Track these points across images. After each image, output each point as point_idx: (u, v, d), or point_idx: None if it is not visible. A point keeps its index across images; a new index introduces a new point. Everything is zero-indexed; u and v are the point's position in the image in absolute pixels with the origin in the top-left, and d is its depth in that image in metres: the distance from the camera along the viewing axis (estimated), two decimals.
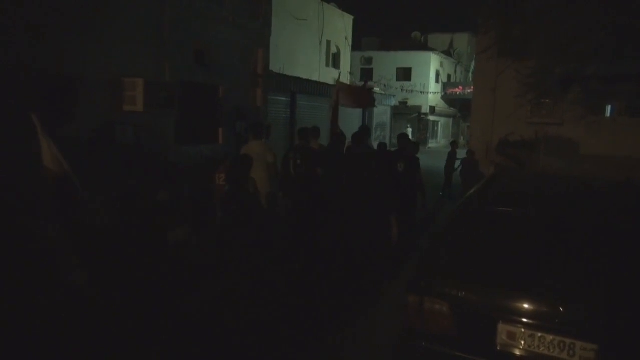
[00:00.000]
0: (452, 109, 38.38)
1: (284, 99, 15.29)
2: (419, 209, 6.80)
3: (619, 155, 10.48)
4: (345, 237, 5.48)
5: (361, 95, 9.81)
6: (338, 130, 8.05)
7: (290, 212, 6.26)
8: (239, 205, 4.96)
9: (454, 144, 13.20)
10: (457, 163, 11.84)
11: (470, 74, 35.89)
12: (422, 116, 34.37)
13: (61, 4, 6.29)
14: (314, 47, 21.69)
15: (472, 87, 17.91)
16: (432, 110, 35.17)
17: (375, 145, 10.05)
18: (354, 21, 25.64)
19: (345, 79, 25.11)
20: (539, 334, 2.89)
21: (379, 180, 5.63)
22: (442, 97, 37.09)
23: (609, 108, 12.37)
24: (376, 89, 26.34)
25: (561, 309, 2.86)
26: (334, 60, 24.47)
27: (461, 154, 12.36)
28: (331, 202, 5.57)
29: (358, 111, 20.61)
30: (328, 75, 22.32)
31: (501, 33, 9.72)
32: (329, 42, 23.30)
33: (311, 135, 6.96)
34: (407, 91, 33.27)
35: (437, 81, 36.57)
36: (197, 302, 4.68)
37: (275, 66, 15.42)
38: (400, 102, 32.27)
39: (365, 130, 7.38)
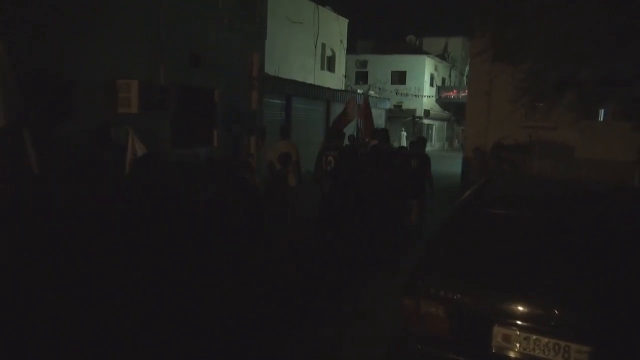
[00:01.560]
0: (446, 112, 38.49)
1: (280, 101, 15.30)
2: (428, 197, 8.07)
3: (612, 159, 10.55)
4: (369, 223, 6.70)
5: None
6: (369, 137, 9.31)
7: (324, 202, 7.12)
8: (277, 195, 6.10)
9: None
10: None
11: (465, 78, 36.04)
12: (416, 119, 34.45)
13: (58, 5, 6.27)
14: (309, 50, 21.71)
15: (467, 91, 17.98)
16: (427, 113, 35.26)
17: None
18: (349, 24, 25.69)
19: (340, 82, 25.17)
20: (534, 337, 2.90)
21: (395, 175, 7.18)
22: (437, 101, 37.20)
23: (602, 112, 12.44)
24: (371, 92, 26.41)
25: (556, 312, 2.87)
26: (329, 63, 24.49)
27: (458, 156, 12.35)
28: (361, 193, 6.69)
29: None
30: (323, 78, 22.34)
31: (496, 36, 9.76)
32: (324, 45, 23.32)
33: (342, 137, 8.06)
34: (401, 94, 33.35)
35: (431, 85, 36.67)
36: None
37: (270, 69, 15.42)
38: (394, 106, 32.31)
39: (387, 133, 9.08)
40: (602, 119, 12.35)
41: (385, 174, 7.14)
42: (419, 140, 9.16)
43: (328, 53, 24.23)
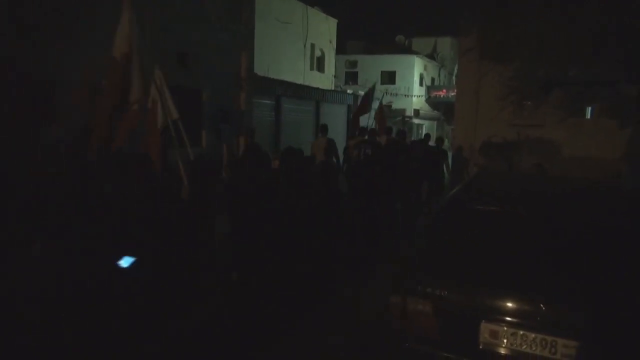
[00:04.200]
0: (436, 112, 38.62)
1: (269, 102, 15.25)
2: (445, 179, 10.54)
3: (599, 156, 10.64)
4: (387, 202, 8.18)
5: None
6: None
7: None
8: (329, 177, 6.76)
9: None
10: None
11: (454, 77, 36.17)
12: (406, 119, 34.53)
13: (42, 5, 6.20)
14: (298, 50, 21.67)
15: (455, 90, 18.07)
16: (417, 113, 35.35)
17: None
18: (338, 25, 25.70)
19: (330, 82, 25.18)
20: (521, 332, 2.90)
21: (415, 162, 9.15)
22: (426, 100, 37.32)
23: (589, 110, 12.55)
24: (361, 92, 26.46)
25: (543, 307, 2.87)
26: (319, 64, 24.47)
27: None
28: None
29: (343, 113, 20.70)
30: (313, 79, 22.32)
31: (483, 35, 9.82)
32: (313, 46, 23.29)
33: (383, 133, 10.59)
34: (391, 94, 33.41)
35: (421, 84, 36.78)
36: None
37: (260, 69, 15.36)
38: (384, 105, 32.34)
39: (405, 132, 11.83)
40: (589, 117, 12.46)
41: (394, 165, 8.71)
42: (439, 139, 11.57)
43: (317, 53, 24.22)
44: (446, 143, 34.79)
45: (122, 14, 4.74)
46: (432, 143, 11.76)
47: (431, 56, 39.49)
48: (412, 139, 29.14)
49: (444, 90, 37.03)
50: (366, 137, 10.14)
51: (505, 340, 2.93)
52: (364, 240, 7.33)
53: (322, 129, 9.99)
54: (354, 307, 5.19)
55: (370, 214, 7.76)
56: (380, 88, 33.27)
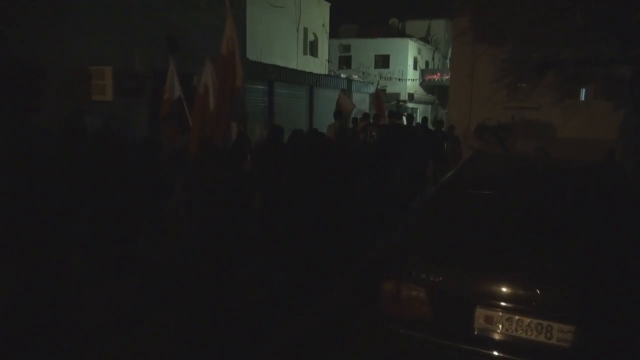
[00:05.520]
0: (430, 95, 38.44)
1: (262, 87, 15.10)
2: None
3: (594, 137, 10.62)
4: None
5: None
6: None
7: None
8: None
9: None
10: None
11: (448, 61, 35.95)
12: (400, 103, 34.35)
13: None
14: (291, 34, 21.41)
15: (449, 73, 17.93)
16: (411, 97, 35.16)
17: None
18: (331, 8, 25.41)
19: (323, 67, 24.97)
20: (517, 317, 2.86)
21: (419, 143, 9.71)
22: (421, 84, 37.10)
23: (583, 91, 12.50)
24: (354, 77, 26.25)
25: (538, 292, 2.83)
26: (312, 48, 24.22)
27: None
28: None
29: (336, 98, 20.59)
30: (306, 63, 22.10)
31: (477, 17, 9.70)
32: (306, 30, 23.02)
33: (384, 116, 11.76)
34: (385, 78, 33.18)
35: (415, 68, 36.52)
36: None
37: (252, 54, 15.19)
38: (379, 90, 32.14)
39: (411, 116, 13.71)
40: (583, 99, 12.41)
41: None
42: (439, 122, 12.10)
43: (310, 38, 23.95)
44: (443, 129, 34.76)
45: (227, 16, 5.61)
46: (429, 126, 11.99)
47: (425, 39, 39.17)
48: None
49: (438, 74, 36.80)
50: (372, 120, 10.94)
51: (500, 326, 2.89)
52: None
53: (335, 114, 10.92)
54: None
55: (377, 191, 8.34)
56: (374, 72, 33.20)
